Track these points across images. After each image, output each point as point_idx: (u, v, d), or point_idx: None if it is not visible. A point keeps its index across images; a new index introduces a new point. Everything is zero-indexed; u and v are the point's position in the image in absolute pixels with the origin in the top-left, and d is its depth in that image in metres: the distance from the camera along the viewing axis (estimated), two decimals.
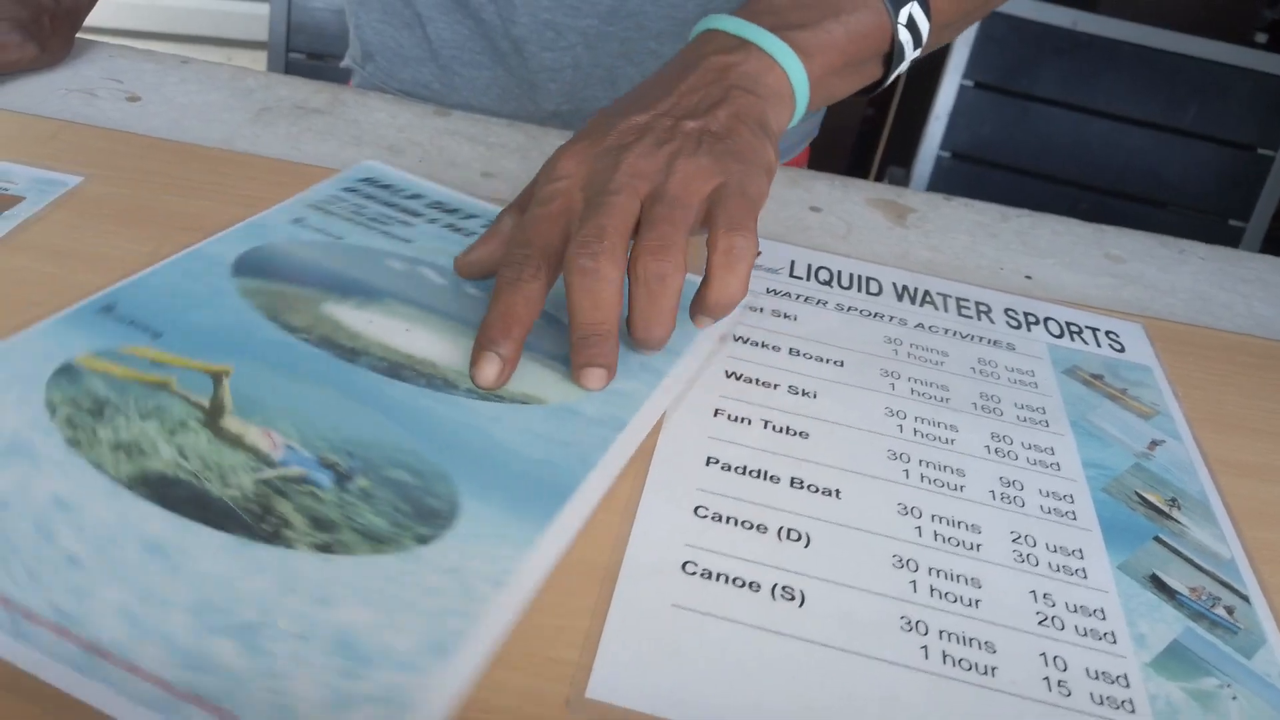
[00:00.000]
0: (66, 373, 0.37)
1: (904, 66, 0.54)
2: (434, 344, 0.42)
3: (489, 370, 0.40)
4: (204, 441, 0.35)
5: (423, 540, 0.33)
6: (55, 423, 0.35)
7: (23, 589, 0.30)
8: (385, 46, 0.72)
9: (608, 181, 0.41)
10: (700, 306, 0.42)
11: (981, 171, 1.50)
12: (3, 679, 0.28)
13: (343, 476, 0.35)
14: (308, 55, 1.51)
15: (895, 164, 1.70)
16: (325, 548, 0.32)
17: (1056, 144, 1.47)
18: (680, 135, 0.42)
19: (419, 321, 0.43)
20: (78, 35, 0.67)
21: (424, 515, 0.34)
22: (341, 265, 0.46)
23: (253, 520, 0.33)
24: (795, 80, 0.47)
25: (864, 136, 2.17)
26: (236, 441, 0.35)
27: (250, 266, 0.45)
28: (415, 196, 0.53)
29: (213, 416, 0.36)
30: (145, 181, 0.51)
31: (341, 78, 0.80)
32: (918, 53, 0.54)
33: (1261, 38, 1.84)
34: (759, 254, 0.41)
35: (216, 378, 0.38)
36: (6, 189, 0.48)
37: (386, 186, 0.53)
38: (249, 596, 0.31)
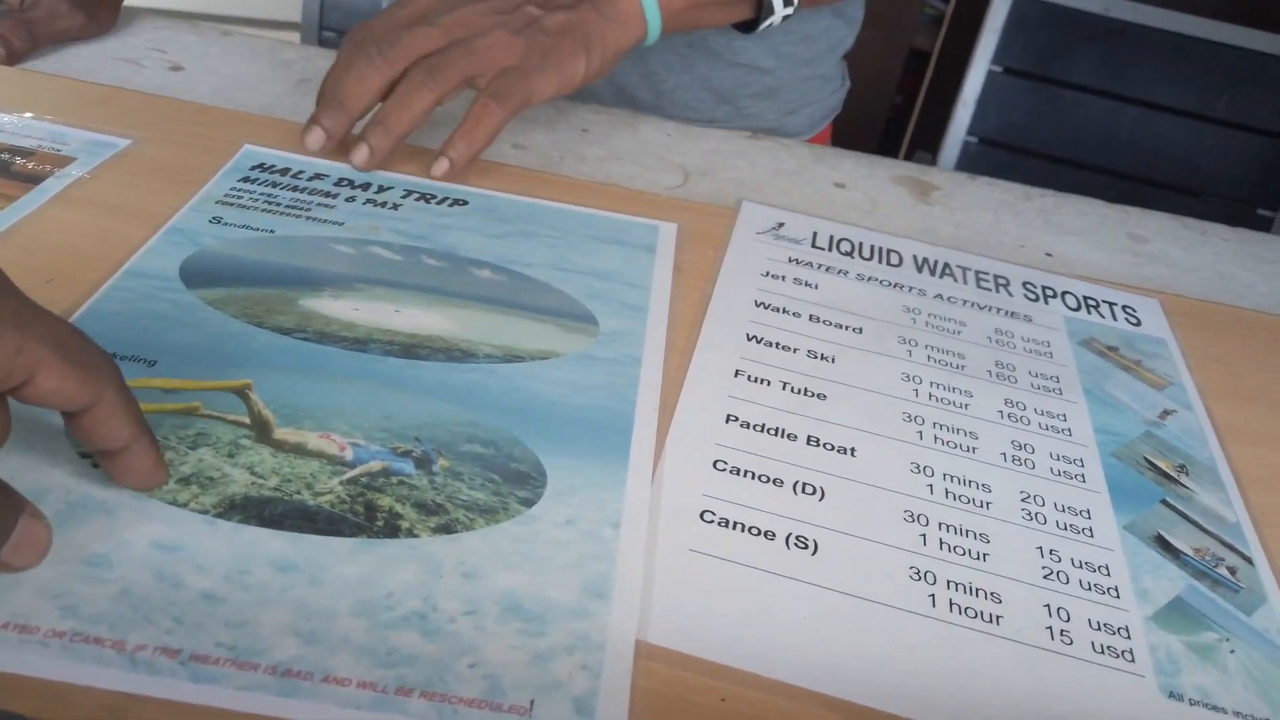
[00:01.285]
0: None
1: (776, 18, 0.62)
2: (428, 318, 0.43)
3: (358, 156, 0.52)
4: (268, 457, 0.35)
5: (527, 503, 0.35)
6: (103, 471, 0.33)
7: (179, 635, 0.29)
8: None
9: (440, 16, 0.51)
10: (444, 147, 0.52)
11: (1010, 157, 1.50)
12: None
13: (422, 461, 0.36)
14: (340, 34, 1.53)
15: (922, 149, 1.70)
16: (445, 529, 0.34)
17: (1087, 131, 1.47)
18: (516, 14, 0.51)
19: (400, 300, 0.44)
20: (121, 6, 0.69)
21: (516, 480, 0.36)
22: (292, 259, 0.45)
23: (363, 520, 0.33)
24: (648, 9, 0.55)
25: (891, 123, 2.17)
26: (300, 450, 0.35)
27: (201, 276, 0.43)
28: (318, 176, 0.51)
29: (262, 432, 0.36)
30: (193, 145, 0.53)
31: None
32: (790, 10, 0.62)
33: None
34: (503, 124, 0.51)
35: (241, 393, 0.37)
36: (59, 149, 0.50)
37: (284, 171, 0.51)
38: (402, 589, 0.31)
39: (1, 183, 0.46)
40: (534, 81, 0.51)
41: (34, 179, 0.47)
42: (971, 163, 1.48)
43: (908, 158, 1.97)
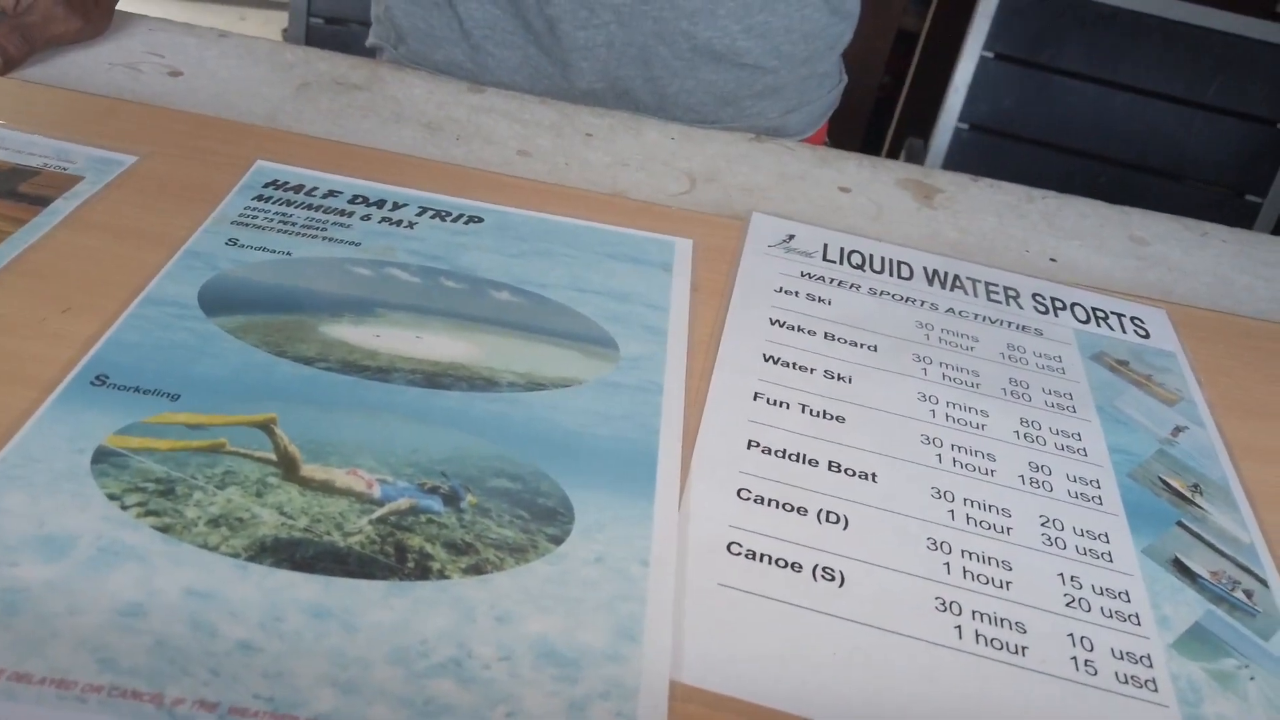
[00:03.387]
0: (107, 460, 0.35)
1: None
2: (449, 345, 0.43)
3: None
4: (296, 495, 0.35)
5: (556, 540, 0.35)
6: (133, 515, 0.33)
7: (216, 688, 0.29)
8: (416, 28, 0.72)
9: None
10: None
11: (1001, 144, 1.50)
12: None
13: (449, 497, 0.36)
14: (328, 21, 1.51)
15: (914, 135, 1.70)
16: (476, 569, 0.33)
17: (1077, 117, 1.47)
18: None
19: (420, 326, 0.43)
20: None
21: (544, 517, 0.36)
22: (311, 282, 0.44)
23: (394, 562, 0.33)
24: None
25: (880, 104, 2.17)
26: (327, 488, 0.35)
27: (220, 303, 0.42)
28: (332, 194, 0.51)
29: (288, 469, 0.36)
30: (199, 159, 0.52)
31: (362, 42, 0.81)
32: None
33: None
34: None
35: (266, 429, 0.37)
36: (66, 168, 0.49)
37: (297, 188, 0.51)
38: (436, 635, 0.31)
39: (10, 205, 0.46)
40: None
41: (42, 201, 0.46)
42: (963, 149, 1.48)
43: (897, 141, 1.96)
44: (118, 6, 0.68)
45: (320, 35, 1.46)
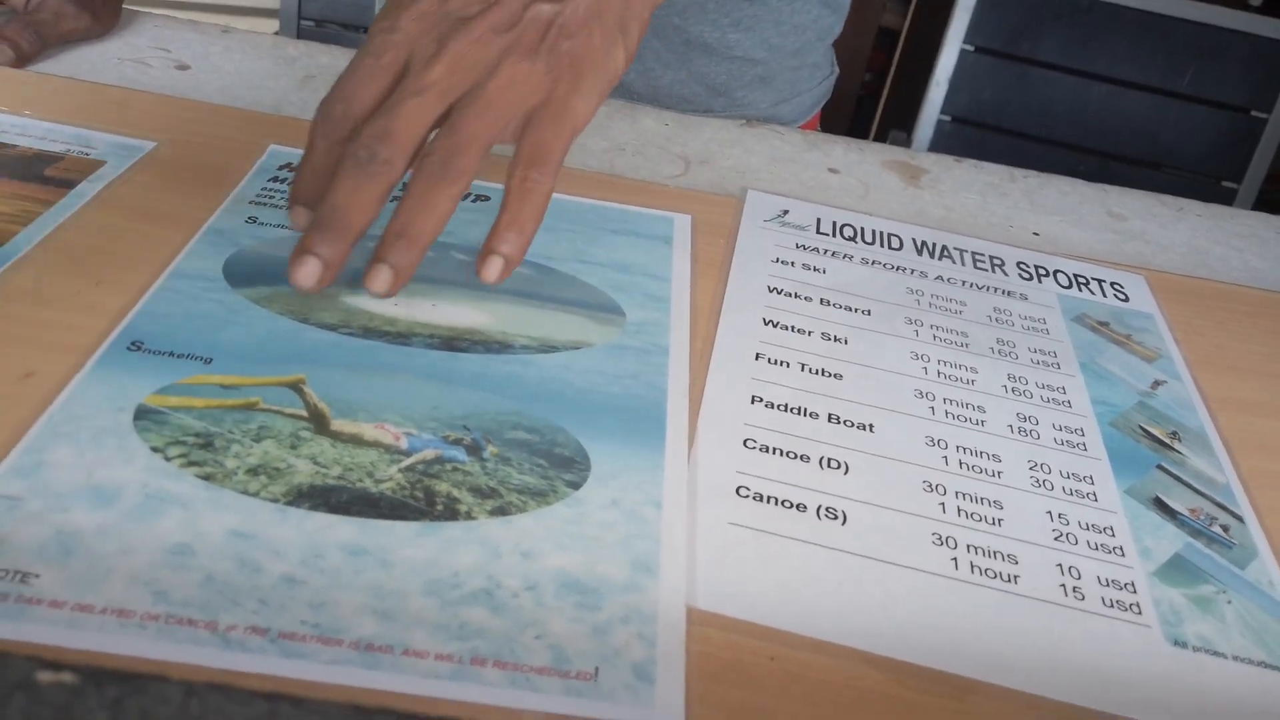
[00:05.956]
0: (148, 416, 0.37)
1: None
2: (464, 312, 0.45)
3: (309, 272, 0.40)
4: (329, 448, 0.37)
5: (574, 486, 0.37)
6: (176, 465, 0.35)
7: (266, 616, 0.31)
8: None
9: (426, 67, 0.39)
10: (490, 241, 0.40)
11: (982, 135, 1.53)
12: (282, 691, 0.29)
13: (472, 448, 0.38)
14: (319, 24, 1.54)
15: (896, 128, 1.73)
16: (500, 512, 0.36)
17: (1056, 108, 1.50)
18: (526, 23, 0.39)
19: (435, 295, 0.45)
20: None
21: (562, 465, 0.38)
22: None
23: (424, 505, 0.35)
24: None
25: (863, 101, 2.20)
26: (357, 441, 0.37)
27: (244, 276, 0.44)
28: None
29: (319, 424, 0.38)
30: (216, 146, 0.54)
31: (353, 45, 0.83)
32: None
33: (1257, 1, 1.86)
34: (551, 190, 0.41)
35: (296, 388, 0.39)
36: (88, 153, 0.51)
37: None
38: (466, 568, 0.34)
39: (37, 188, 0.47)
40: (572, 111, 0.40)
41: (68, 184, 0.48)
42: (946, 141, 1.51)
43: (880, 136, 1.99)
44: (124, 5, 0.70)
45: (311, 38, 1.49)
